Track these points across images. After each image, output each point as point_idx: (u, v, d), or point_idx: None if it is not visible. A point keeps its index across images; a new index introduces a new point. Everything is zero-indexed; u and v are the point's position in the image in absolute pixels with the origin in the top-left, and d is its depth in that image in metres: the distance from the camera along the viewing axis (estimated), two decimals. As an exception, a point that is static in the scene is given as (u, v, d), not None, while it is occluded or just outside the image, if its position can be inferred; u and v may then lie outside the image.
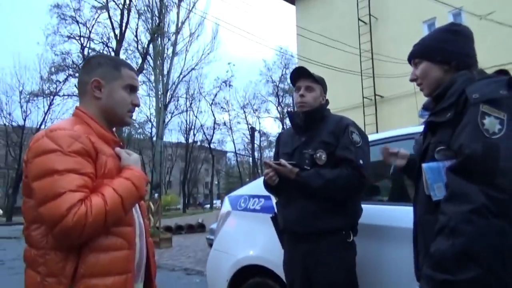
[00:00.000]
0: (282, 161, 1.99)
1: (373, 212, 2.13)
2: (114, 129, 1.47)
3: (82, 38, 21.80)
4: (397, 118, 11.01)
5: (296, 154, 2.07)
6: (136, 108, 1.48)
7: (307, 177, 1.94)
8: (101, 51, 20.65)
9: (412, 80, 1.51)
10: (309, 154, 2.00)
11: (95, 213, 1.14)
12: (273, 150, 2.56)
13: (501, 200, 1.07)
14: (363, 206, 2.11)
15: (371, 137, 2.60)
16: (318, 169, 1.95)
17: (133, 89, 1.43)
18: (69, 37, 21.44)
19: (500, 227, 1.07)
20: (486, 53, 9.35)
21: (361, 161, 1.93)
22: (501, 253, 1.07)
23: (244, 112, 36.19)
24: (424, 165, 1.30)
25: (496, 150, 1.10)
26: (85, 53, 21.20)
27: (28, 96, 26.23)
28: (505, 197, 1.08)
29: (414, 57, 1.49)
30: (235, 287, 2.66)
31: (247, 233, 2.72)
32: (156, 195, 12.68)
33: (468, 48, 1.43)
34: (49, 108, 26.42)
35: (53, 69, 22.47)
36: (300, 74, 2.14)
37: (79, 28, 21.65)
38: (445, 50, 1.40)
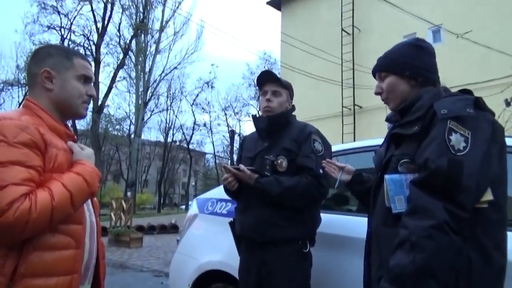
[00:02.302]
0: (241, 166, 1.96)
1: (337, 222, 2.12)
2: (72, 122, 1.41)
3: (62, 29, 21.21)
4: (375, 128, 11.17)
5: (258, 159, 2.03)
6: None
7: (266, 184, 1.90)
8: (82, 44, 20.22)
9: (377, 93, 1.50)
10: (270, 160, 1.96)
11: (40, 209, 1.08)
12: None
13: (461, 218, 1.09)
14: (328, 215, 2.09)
15: (343, 147, 2.61)
16: (278, 176, 1.92)
17: (87, 79, 1.38)
18: (49, 27, 20.82)
19: (458, 245, 1.08)
20: (461, 70, 9.65)
21: (321, 170, 1.90)
22: (457, 271, 1.08)
23: (225, 114, 35.93)
24: (386, 177, 1.29)
25: (460, 167, 1.11)
26: (65, 44, 20.67)
27: (2, 85, 25.33)
28: (465, 216, 1.09)
29: (381, 70, 1.48)
30: (197, 292, 2.60)
31: (212, 238, 2.66)
32: (129, 193, 12.44)
33: (433, 65, 1.45)
34: (24, 99, 25.60)
35: (30, 59, 21.76)
36: (267, 78, 2.11)
37: (60, 18, 21.05)
38: (414, 66, 1.41)
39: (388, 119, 1.53)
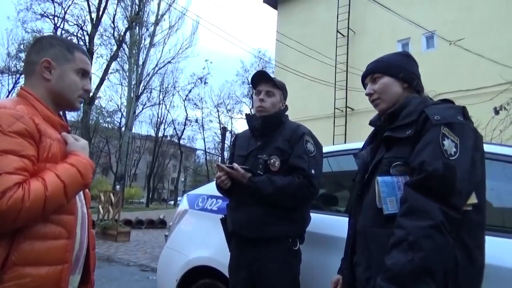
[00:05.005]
0: (235, 165, 1.98)
1: (326, 222, 2.15)
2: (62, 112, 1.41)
3: (56, 18, 20.92)
4: (365, 131, 11.21)
5: (251, 158, 2.06)
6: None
7: (259, 183, 1.93)
8: (75, 34, 19.97)
9: (368, 94, 1.53)
10: (263, 159, 1.99)
11: (33, 198, 1.08)
12: None
13: (455, 219, 1.14)
14: (317, 215, 2.12)
15: (334, 148, 2.64)
16: (270, 176, 1.95)
17: (85, 74, 1.39)
18: (42, 15, 20.50)
19: (451, 245, 1.13)
20: (452, 77, 9.77)
21: (312, 171, 1.95)
22: (455, 269, 1.14)
23: (218, 111, 35.92)
24: (379, 178, 1.32)
25: (453, 171, 1.16)
26: (58, 33, 20.37)
27: (-8, 72, 24.86)
28: (458, 217, 1.14)
29: (375, 72, 1.52)
30: (184, 287, 2.61)
31: (202, 234, 2.68)
32: (118, 186, 12.34)
33: (419, 74, 1.52)
34: (13, 87, 25.17)
35: (22, 47, 21.35)
36: (261, 78, 2.13)
37: (54, 7, 20.75)
38: (406, 70, 1.49)
39: (372, 123, 1.57)
